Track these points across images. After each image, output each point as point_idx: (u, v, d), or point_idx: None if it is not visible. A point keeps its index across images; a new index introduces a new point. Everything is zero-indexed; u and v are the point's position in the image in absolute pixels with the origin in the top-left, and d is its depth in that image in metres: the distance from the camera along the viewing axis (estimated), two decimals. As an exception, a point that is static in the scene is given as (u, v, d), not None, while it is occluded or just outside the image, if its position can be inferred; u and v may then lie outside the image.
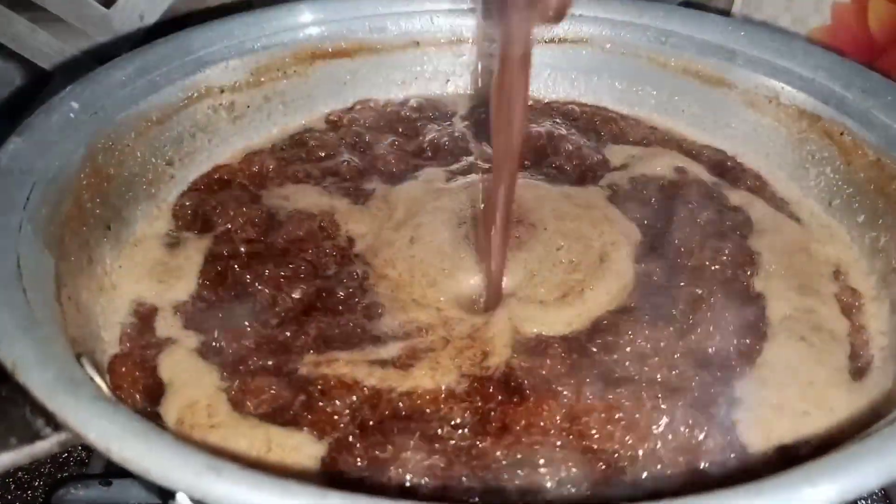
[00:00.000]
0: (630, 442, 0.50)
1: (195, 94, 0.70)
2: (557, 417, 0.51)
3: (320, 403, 0.52)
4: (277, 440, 0.50)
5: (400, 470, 0.47)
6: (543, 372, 0.54)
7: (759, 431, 0.51)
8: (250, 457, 0.48)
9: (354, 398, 0.52)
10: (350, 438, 0.50)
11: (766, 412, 0.52)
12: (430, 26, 0.82)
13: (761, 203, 0.70)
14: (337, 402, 0.52)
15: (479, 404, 0.52)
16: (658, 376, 0.54)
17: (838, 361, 0.57)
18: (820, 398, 0.54)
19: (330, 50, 0.79)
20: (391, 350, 0.55)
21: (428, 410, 0.51)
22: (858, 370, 0.56)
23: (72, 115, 0.61)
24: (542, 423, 0.51)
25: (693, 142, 0.78)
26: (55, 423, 0.41)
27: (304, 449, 0.49)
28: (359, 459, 0.48)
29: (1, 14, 0.87)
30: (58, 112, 0.61)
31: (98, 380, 0.46)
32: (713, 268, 0.63)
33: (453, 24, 0.82)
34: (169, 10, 0.90)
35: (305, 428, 0.50)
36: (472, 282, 0.62)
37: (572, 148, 0.75)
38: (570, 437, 0.50)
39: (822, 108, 0.71)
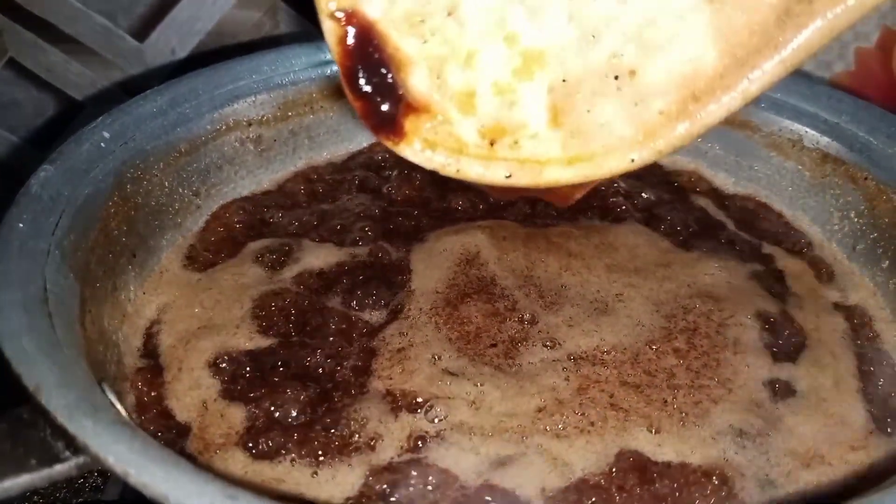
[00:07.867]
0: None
1: (223, 127, 0.71)
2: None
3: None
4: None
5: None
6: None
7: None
8: (268, 487, 0.48)
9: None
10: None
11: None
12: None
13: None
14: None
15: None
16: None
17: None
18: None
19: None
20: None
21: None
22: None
23: (102, 144, 0.62)
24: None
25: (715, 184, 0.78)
26: (74, 447, 0.41)
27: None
28: None
29: (35, 45, 0.90)
30: (89, 141, 0.62)
31: (118, 405, 0.46)
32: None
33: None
34: (200, 44, 0.92)
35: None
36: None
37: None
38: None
39: (846, 152, 0.70)
